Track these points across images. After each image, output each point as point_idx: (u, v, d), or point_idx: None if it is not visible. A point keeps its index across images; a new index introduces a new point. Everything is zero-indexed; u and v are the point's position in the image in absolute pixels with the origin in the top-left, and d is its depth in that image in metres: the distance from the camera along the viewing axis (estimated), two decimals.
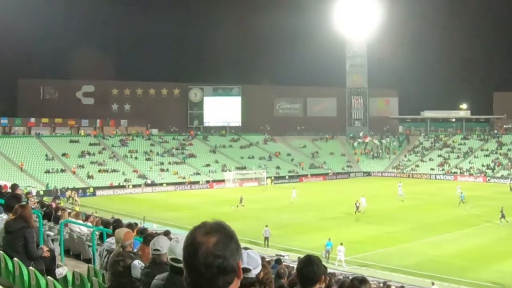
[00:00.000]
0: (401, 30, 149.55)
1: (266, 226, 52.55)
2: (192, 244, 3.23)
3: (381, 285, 30.70)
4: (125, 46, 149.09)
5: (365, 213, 67.13)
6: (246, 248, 5.72)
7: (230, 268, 3.23)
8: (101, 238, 18.49)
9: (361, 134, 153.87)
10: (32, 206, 28.98)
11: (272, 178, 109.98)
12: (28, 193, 34.86)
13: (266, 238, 51.01)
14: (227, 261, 3.21)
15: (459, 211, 68.16)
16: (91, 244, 18.57)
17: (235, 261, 3.27)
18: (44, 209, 27.13)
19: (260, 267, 5.66)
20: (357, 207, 68.22)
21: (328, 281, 6.82)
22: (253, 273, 5.49)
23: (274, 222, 60.82)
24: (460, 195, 75.44)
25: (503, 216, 60.57)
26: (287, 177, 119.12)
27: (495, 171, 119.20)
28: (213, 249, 3.19)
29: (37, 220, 18.38)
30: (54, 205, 29.80)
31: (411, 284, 35.87)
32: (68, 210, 29.09)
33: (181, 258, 3.30)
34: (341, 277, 25.56)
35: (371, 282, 14.25)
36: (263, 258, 5.84)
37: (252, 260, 5.46)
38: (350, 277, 6.92)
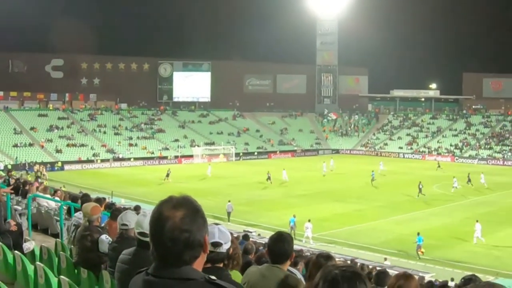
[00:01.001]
0: (373, 9, 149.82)
1: (229, 201, 52.83)
2: (158, 218, 3.25)
3: (348, 262, 30.90)
4: (95, 20, 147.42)
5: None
6: (216, 224, 5.78)
7: (196, 243, 3.27)
8: (69, 212, 18.44)
9: (326, 112, 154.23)
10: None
11: (225, 154, 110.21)
12: None
13: (229, 213, 51.35)
14: (193, 236, 3.24)
15: (428, 190, 68.62)
16: (58, 218, 18.50)
17: (202, 235, 3.31)
18: (12, 183, 27.00)
19: (230, 242, 5.72)
20: (269, 178, 72.68)
21: (293, 258, 6.88)
22: (224, 248, 5.54)
23: (242, 199, 61.06)
24: (372, 173, 76.78)
25: (420, 190, 64.33)
26: (255, 153, 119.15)
27: (463, 151, 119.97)
28: (179, 223, 3.21)
29: (4, 194, 18.31)
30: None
31: (377, 261, 36.10)
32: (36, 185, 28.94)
33: (148, 232, 3.34)
34: (308, 253, 25.68)
35: (338, 259, 14.38)
36: (231, 234, 5.87)
37: (223, 235, 5.51)
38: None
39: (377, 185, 73.17)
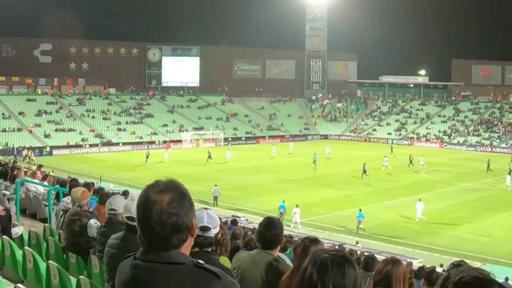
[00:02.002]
0: None
1: (215, 185, 52.97)
2: (146, 202, 3.26)
3: (336, 247, 30.99)
4: (84, 5, 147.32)
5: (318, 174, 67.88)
6: (206, 208, 5.78)
7: (184, 226, 3.28)
8: (57, 197, 18.41)
9: (319, 96, 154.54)
10: None
11: (204, 139, 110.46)
12: None
13: (215, 198, 51.48)
14: (181, 219, 3.25)
15: (415, 176, 68.90)
16: (47, 203, 18.48)
17: (189, 219, 3.31)
18: (0, 168, 26.95)
19: (218, 227, 5.73)
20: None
21: (284, 243, 6.91)
22: (213, 233, 5.55)
23: (230, 184, 61.26)
24: (314, 157, 78.93)
25: (364, 171, 66.88)
26: (243, 138, 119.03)
27: (451, 137, 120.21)
28: (167, 207, 3.21)
29: None
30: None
31: (366, 247, 36.23)
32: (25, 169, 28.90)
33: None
34: (297, 239, 25.73)
35: (326, 245, 14.40)
36: (220, 219, 5.89)
37: (211, 220, 5.52)
38: None
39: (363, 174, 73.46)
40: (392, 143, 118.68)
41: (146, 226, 3.24)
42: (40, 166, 35.88)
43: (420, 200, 47.07)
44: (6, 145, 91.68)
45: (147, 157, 79.80)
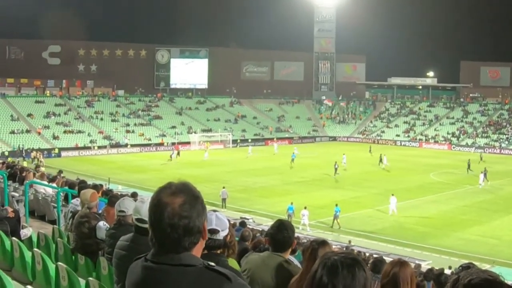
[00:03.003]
0: None
1: (224, 187, 53.00)
2: (157, 204, 3.25)
3: (344, 249, 30.99)
4: (92, 7, 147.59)
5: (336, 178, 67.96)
6: (214, 211, 5.79)
7: (196, 229, 3.27)
8: (66, 199, 18.44)
9: (323, 97, 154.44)
10: None
11: (210, 142, 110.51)
12: None
13: (224, 200, 51.49)
14: (193, 222, 3.24)
15: (424, 178, 68.89)
16: (56, 205, 18.51)
17: (201, 222, 3.31)
18: (9, 170, 27.00)
19: (227, 230, 5.74)
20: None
21: (295, 245, 6.92)
22: (221, 235, 5.56)
23: (238, 186, 61.34)
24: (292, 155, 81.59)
25: (336, 170, 70.32)
26: (249, 140, 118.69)
27: (460, 139, 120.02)
28: (179, 210, 3.21)
29: (2, 181, 18.31)
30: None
31: (374, 248, 36.21)
32: (34, 171, 28.93)
33: (146, 218, 3.35)
34: (305, 241, 25.74)
35: (334, 247, 14.40)
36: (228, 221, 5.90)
37: (220, 222, 5.53)
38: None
39: (373, 171, 73.35)
40: (401, 145, 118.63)
41: (157, 228, 3.23)
42: (60, 172, 35.98)
43: (393, 194, 49.09)
44: (19, 147, 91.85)
45: (178, 154, 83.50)
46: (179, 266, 3.20)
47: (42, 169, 45.80)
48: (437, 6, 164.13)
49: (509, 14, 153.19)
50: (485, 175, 65.17)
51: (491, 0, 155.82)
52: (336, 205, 45.39)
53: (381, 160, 79.50)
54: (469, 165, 74.69)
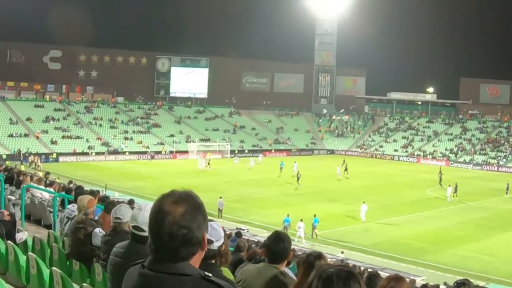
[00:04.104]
0: (372, 11, 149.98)
1: (220, 197, 53.00)
2: (158, 212, 3.24)
3: (339, 262, 30.94)
4: (94, 13, 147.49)
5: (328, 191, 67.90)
6: (210, 220, 5.77)
7: (195, 240, 3.26)
8: (62, 204, 18.42)
9: (324, 111, 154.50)
10: None
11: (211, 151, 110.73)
12: None
13: (220, 210, 51.49)
14: (192, 233, 3.23)
15: (421, 193, 68.92)
16: (52, 210, 18.49)
17: (201, 233, 3.29)
18: (6, 173, 27.00)
19: (222, 240, 5.73)
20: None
21: (291, 257, 6.91)
22: (215, 245, 5.55)
23: (235, 196, 61.22)
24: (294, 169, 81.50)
25: (298, 179, 72.28)
26: (246, 151, 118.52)
27: (458, 155, 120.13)
28: (179, 219, 3.20)
29: None
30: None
31: (369, 263, 36.18)
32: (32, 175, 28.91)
33: (143, 226, 3.33)
34: (300, 253, 25.71)
35: (330, 260, 14.40)
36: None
37: (215, 232, 5.53)
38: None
39: (370, 185, 73.33)
40: (399, 160, 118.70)
41: (156, 236, 3.22)
42: (47, 174, 35.92)
43: (364, 202, 51.05)
44: (19, 150, 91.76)
45: (208, 163, 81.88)
46: (176, 275, 3.19)
47: (40, 173, 45.80)
48: (438, 23, 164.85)
49: (510, 32, 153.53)
50: (455, 189, 66.14)
51: (493, 18, 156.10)
52: (315, 215, 45.95)
53: (346, 170, 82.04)
54: (440, 179, 75.30)
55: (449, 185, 66.89)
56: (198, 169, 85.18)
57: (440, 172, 77.50)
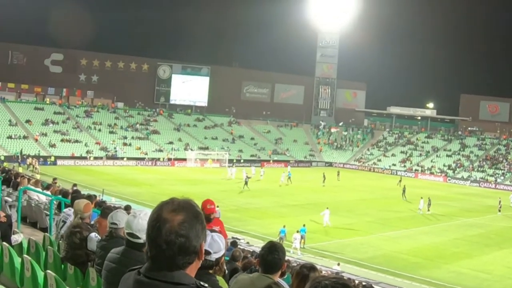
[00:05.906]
0: (375, 25, 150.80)
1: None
2: (157, 219, 3.23)
3: (334, 274, 30.90)
4: (97, 17, 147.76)
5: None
6: (213, 231, 5.77)
7: (192, 249, 3.24)
8: (59, 207, 18.39)
9: (323, 123, 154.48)
10: None
11: (218, 160, 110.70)
12: None
13: None
14: (189, 242, 3.22)
15: (417, 208, 68.96)
16: (48, 213, 18.45)
17: (198, 242, 3.28)
18: (4, 174, 26.96)
19: (222, 252, 5.72)
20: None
21: (285, 267, 6.90)
22: (213, 257, 5.53)
23: (232, 205, 61.09)
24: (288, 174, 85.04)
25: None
26: (242, 161, 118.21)
27: (456, 171, 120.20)
28: (177, 228, 3.19)
29: None
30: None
31: (364, 276, 36.13)
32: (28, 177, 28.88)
33: (137, 233, 3.32)
34: (295, 264, 25.69)
35: (324, 272, 14.37)
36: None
37: (215, 244, 5.51)
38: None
39: (367, 199, 73.29)
40: (397, 174, 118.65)
41: (153, 243, 3.21)
42: (54, 179, 35.92)
43: (327, 208, 53.42)
44: (21, 152, 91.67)
45: (246, 183, 77.45)
46: (171, 284, 3.19)
47: (37, 176, 45.78)
48: (440, 39, 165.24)
49: (511, 50, 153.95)
50: (428, 204, 67.08)
51: (494, 36, 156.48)
52: (304, 225, 46.34)
53: (289, 178, 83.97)
54: (404, 191, 75.85)
55: (421, 197, 67.64)
56: (227, 178, 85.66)
57: (400, 181, 77.89)
